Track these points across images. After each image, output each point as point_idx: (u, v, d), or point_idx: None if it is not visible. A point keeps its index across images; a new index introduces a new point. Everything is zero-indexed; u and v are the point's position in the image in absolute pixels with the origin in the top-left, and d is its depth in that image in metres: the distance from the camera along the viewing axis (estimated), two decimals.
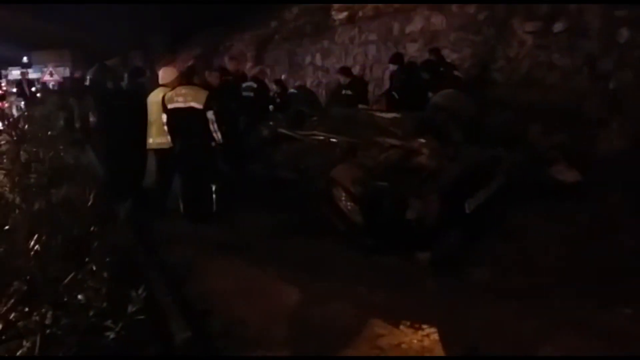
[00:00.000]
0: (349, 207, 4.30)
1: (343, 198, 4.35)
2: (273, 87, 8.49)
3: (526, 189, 4.68)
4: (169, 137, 5.19)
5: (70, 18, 18.58)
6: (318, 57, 11.79)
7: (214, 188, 5.32)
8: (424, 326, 3.07)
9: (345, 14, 10.95)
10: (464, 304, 3.32)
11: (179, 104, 5.02)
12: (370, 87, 8.24)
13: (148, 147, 5.47)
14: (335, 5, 11.25)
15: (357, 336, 3.03)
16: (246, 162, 6.12)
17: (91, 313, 2.35)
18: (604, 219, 4.29)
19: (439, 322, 3.11)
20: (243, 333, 3.07)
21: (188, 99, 5.01)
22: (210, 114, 5.03)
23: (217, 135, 5.09)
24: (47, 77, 20.01)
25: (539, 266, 3.77)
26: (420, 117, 5.27)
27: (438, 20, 8.44)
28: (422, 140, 4.56)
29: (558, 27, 6.36)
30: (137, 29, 19.11)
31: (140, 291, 2.45)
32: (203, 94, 5.05)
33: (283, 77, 10.10)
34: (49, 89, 18.24)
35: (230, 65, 8.21)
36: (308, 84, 10.83)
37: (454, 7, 8.11)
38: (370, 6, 10.18)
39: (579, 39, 6.05)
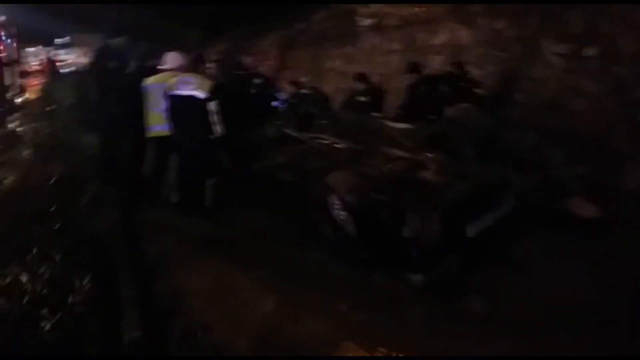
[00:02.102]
0: (342, 216, 4.01)
1: (336, 206, 4.06)
2: (288, 88, 8.34)
3: (538, 218, 4.33)
4: (168, 125, 4.98)
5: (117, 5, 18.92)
6: (340, 62, 11.54)
7: (209, 182, 5.09)
8: (408, 355, 2.76)
9: (370, 20, 10.71)
10: (455, 335, 3.00)
11: (182, 91, 4.82)
12: (389, 98, 7.93)
13: (147, 134, 5.27)
14: (360, 12, 11.01)
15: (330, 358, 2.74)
16: (247, 159, 5.88)
17: (25, 299, 2.12)
18: (618, 260, 3.92)
19: (425, 352, 2.79)
20: (202, 340, 2.80)
21: (192, 87, 4.81)
22: (212, 105, 4.81)
23: (217, 128, 4.86)
24: (78, 59, 20.43)
25: (541, 303, 3.42)
26: (432, 130, 4.96)
27: (463, 34, 8.14)
28: (430, 155, 4.27)
29: (589, 51, 6.01)
30: (174, 21, 19.29)
31: (85, 281, 2.21)
32: (208, 84, 4.84)
33: (303, 79, 9.87)
34: (73, 70, 18.51)
35: (246, 61, 8.05)
36: (328, 89, 10.56)
37: (481, 22, 7.81)
38: (395, 15, 9.92)
39: (610, 65, 5.70)
